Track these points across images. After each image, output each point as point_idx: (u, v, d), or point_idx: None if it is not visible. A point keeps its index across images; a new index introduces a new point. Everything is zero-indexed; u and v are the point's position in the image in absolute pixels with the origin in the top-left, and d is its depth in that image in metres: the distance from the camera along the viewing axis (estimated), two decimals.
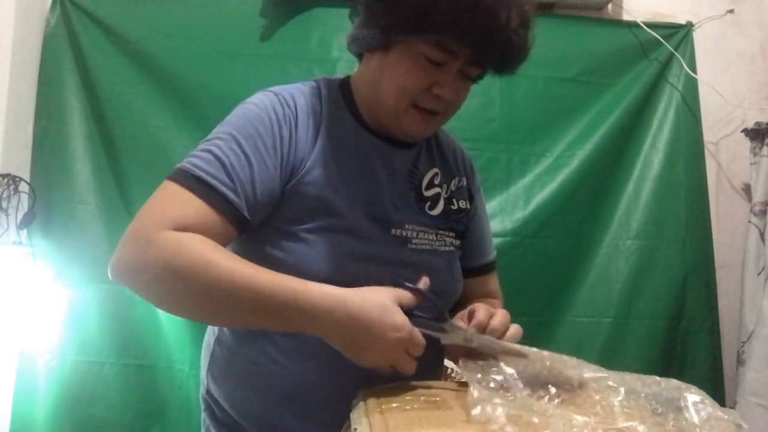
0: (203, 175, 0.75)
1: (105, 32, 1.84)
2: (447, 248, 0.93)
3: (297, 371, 0.82)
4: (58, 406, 1.72)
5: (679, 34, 1.96)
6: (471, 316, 0.80)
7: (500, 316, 0.80)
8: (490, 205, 1.79)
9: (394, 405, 0.64)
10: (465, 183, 1.01)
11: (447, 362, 1.34)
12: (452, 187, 0.97)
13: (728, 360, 1.88)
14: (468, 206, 0.99)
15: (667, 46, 1.93)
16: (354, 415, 0.67)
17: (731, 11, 2.01)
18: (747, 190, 1.96)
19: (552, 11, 1.98)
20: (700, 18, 1.99)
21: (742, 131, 1.92)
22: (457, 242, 0.95)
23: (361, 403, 0.67)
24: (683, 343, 1.87)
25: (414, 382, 0.74)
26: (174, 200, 0.75)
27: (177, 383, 1.75)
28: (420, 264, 0.86)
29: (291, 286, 0.72)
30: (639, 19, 1.93)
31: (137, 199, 1.79)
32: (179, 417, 1.74)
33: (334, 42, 1.88)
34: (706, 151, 1.96)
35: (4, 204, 1.69)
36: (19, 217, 1.71)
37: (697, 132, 1.95)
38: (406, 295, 0.75)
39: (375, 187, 0.87)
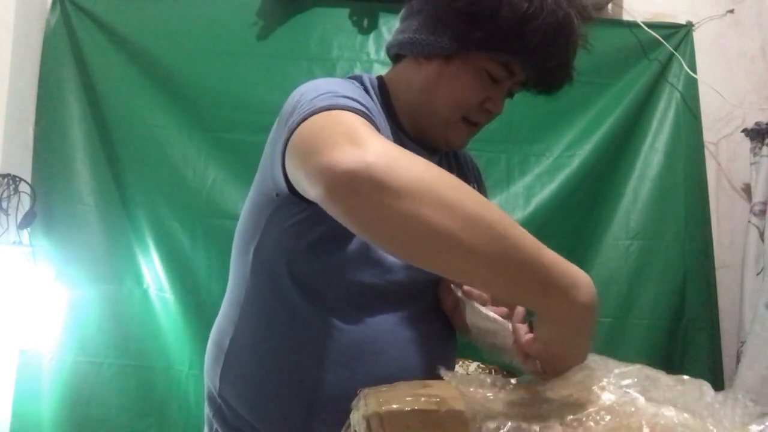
0: (355, 106, 0.67)
1: (105, 32, 1.84)
2: None
3: (328, 378, 0.78)
4: (58, 406, 1.72)
5: (679, 34, 1.96)
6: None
7: None
8: None
9: (394, 405, 0.64)
10: (475, 188, 0.99)
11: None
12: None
13: (728, 360, 1.88)
14: None
15: (667, 46, 1.93)
16: (354, 416, 0.67)
17: (731, 11, 2.01)
18: (747, 190, 1.96)
19: None
20: (700, 18, 1.99)
21: (742, 131, 1.92)
22: None
23: (361, 404, 0.67)
24: (683, 343, 1.87)
25: (413, 382, 0.74)
26: (356, 123, 0.63)
27: (176, 383, 1.75)
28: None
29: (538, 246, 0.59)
30: (639, 19, 1.93)
31: (137, 200, 1.79)
32: (178, 417, 1.74)
33: (333, 41, 1.88)
34: (706, 151, 1.96)
35: (4, 204, 1.69)
36: (19, 217, 1.71)
37: (697, 132, 1.95)
38: None
39: None
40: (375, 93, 0.87)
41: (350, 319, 0.79)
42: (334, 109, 0.65)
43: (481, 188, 1.03)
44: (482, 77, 0.82)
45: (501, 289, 0.62)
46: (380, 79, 0.92)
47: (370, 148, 0.57)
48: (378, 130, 0.67)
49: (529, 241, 0.58)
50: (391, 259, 0.80)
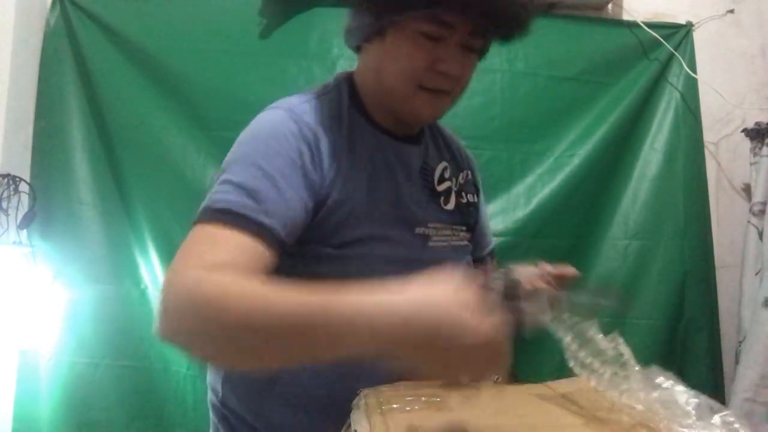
0: (227, 205, 0.71)
1: (105, 32, 1.84)
2: (462, 243, 0.92)
3: (325, 380, 0.79)
4: (58, 406, 1.72)
5: (679, 34, 1.96)
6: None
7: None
8: (492, 205, 1.79)
9: (395, 406, 0.64)
10: (470, 176, 1.01)
11: None
12: (461, 180, 0.97)
13: (728, 360, 1.88)
14: (476, 199, 0.99)
15: (667, 46, 1.93)
16: (354, 416, 0.67)
17: (731, 11, 2.01)
18: (747, 190, 1.96)
19: (552, 11, 1.98)
20: (700, 18, 1.99)
21: (742, 131, 1.92)
22: (468, 236, 0.95)
23: (362, 403, 0.67)
24: (683, 343, 1.87)
25: (414, 383, 0.74)
26: (201, 241, 0.70)
27: (174, 385, 1.75)
28: (440, 261, 0.79)
29: (320, 298, 0.57)
30: (639, 19, 1.93)
31: (137, 199, 1.79)
32: (176, 418, 1.74)
33: (333, 41, 1.88)
34: (706, 151, 1.96)
35: (4, 204, 1.69)
36: (19, 217, 1.71)
37: (697, 132, 1.95)
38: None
39: (397, 188, 0.86)
40: (346, 94, 0.88)
41: None
42: (204, 222, 0.72)
43: (474, 175, 1.02)
44: (419, 40, 0.79)
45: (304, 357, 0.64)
46: (350, 75, 0.92)
47: (175, 281, 0.66)
48: (300, 158, 0.75)
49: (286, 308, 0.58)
50: (394, 255, 0.82)
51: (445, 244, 0.89)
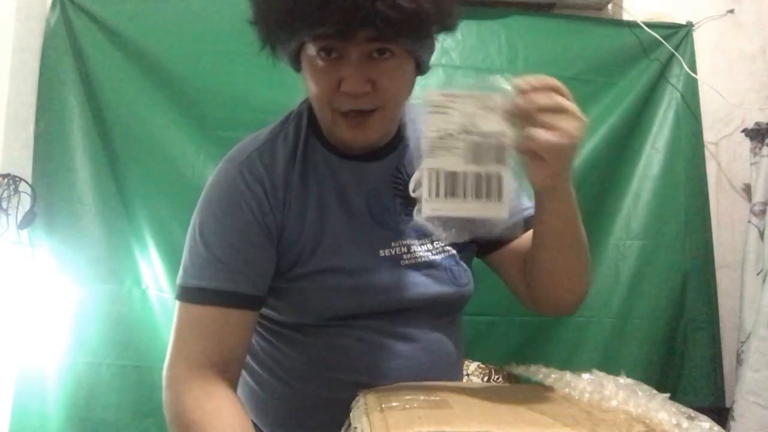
0: (197, 283, 0.79)
1: (105, 32, 1.84)
2: (444, 254, 0.88)
3: (310, 385, 0.85)
4: (58, 406, 1.72)
5: (679, 34, 1.96)
6: None
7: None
8: None
9: (394, 404, 0.64)
10: None
11: None
12: None
13: (728, 360, 1.88)
14: None
15: (667, 46, 1.93)
16: (354, 414, 0.67)
17: (731, 11, 2.01)
18: (747, 190, 1.96)
19: (552, 11, 1.98)
20: (700, 18, 1.99)
21: (742, 131, 1.92)
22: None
23: (361, 402, 0.67)
24: (683, 343, 1.87)
25: (414, 383, 0.74)
26: (184, 327, 0.83)
27: None
28: (415, 280, 0.84)
29: None
30: (639, 19, 1.93)
31: (137, 200, 1.79)
32: None
33: None
34: (706, 151, 1.96)
35: (4, 204, 1.69)
36: (19, 217, 1.71)
37: (697, 132, 1.95)
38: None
39: (357, 210, 0.84)
40: (305, 121, 0.87)
41: (325, 333, 0.84)
42: (185, 301, 0.82)
43: None
44: (316, 63, 0.75)
45: None
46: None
47: (167, 374, 0.87)
48: (252, 213, 0.80)
49: None
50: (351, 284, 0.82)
51: (422, 259, 0.86)
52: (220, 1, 1.89)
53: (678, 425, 0.57)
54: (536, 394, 0.71)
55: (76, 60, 1.83)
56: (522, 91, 0.64)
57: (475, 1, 1.90)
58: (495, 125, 0.63)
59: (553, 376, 0.72)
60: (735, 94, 1.99)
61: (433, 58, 1.94)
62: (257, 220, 0.80)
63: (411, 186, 0.70)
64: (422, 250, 0.86)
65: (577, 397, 0.68)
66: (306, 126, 0.87)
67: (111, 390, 1.74)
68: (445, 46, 1.87)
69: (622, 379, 0.68)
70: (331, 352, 0.84)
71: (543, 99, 0.64)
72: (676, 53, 1.94)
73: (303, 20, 0.70)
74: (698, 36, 1.97)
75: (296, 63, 0.81)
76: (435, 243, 0.88)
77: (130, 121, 1.81)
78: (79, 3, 1.84)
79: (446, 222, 0.69)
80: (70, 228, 1.78)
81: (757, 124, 1.88)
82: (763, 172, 1.83)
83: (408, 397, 0.67)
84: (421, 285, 0.84)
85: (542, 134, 0.63)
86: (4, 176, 1.70)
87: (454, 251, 0.90)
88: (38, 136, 1.82)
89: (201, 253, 0.80)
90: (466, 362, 1.62)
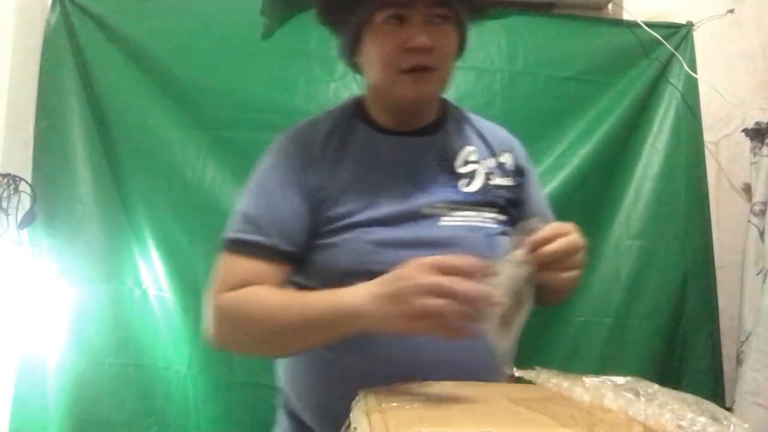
0: (234, 235, 0.90)
1: (105, 32, 1.84)
2: (487, 223, 0.94)
3: (341, 364, 0.88)
4: (58, 405, 1.72)
5: (680, 34, 1.96)
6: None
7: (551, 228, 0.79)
8: None
9: (394, 404, 0.64)
10: (508, 160, 1.01)
11: None
12: (491, 164, 0.99)
13: (728, 360, 1.88)
14: (511, 183, 1.00)
15: (668, 46, 1.93)
16: (354, 414, 0.67)
17: (731, 11, 2.01)
18: (747, 190, 1.96)
19: (552, 11, 1.98)
20: (700, 18, 1.99)
21: (742, 131, 1.92)
22: (503, 218, 0.96)
23: (362, 402, 0.67)
24: (683, 343, 1.87)
25: (414, 383, 0.74)
26: (225, 267, 0.90)
27: (175, 383, 1.75)
28: (453, 239, 0.89)
29: (325, 298, 0.79)
30: (639, 19, 1.93)
31: (137, 199, 1.79)
32: (177, 417, 1.74)
33: (333, 41, 1.87)
34: (706, 151, 1.96)
35: (4, 204, 1.69)
36: (19, 217, 1.71)
37: (697, 132, 1.95)
38: (438, 259, 0.69)
39: (399, 177, 0.92)
40: (349, 111, 0.99)
41: None
42: (224, 251, 0.91)
43: (516, 161, 1.02)
44: (384, 29, 0.87)
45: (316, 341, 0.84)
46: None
47: (210, 304, 0.91)
48: (296, 176, 0.91)
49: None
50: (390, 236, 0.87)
51: (462, 222, 0.91)
52: (221, 1, 1.90)
53: (679, 427, 0.57)
54: (536, 394, 0.71)
55: (76, 60, 1.83)
56: (537, 245, 0.76)
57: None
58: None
59: (552, 381, 0.72)
60: (735, 94, 1.99)
61: None
62: (294, 183, 0.90)
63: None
64: (464, 215, 0.92)
65: (577, 398, 0.68)
66: (351, 109, 0.99)
67: (111, 389, 1.74)
68: None
69: (623, 379, 0.68)
70: None
71: (554, 249, 0.77)
72: (676, 53, 1.94)
73: None
74: (698, 36, 1.97)
75: (355, 39, 0.92)
76: (478, 210, 0.93)
77: (130, 121, 1.81)
78: (79, 3, 1.84)
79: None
80: (70, 228, 1.78)
81: (757, 124, 1.88)
82: (763, 172, 1.83)
83: (408, 397, 0.67)
84: (460, 244, 0.88)
85: (563, 276, 0.81)
86: (4, 176, 1.70)
87: (496, 224, 0.95)
88: (38, 136, 1.82)
89: (244, 210, 0.92)
90: None
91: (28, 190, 1.74)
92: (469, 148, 0.98)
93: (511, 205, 0.98)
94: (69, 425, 1.72)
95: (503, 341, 0.74)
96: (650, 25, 1.93)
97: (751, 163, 1.89)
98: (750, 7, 2.04)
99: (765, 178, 1.82)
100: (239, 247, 0.89)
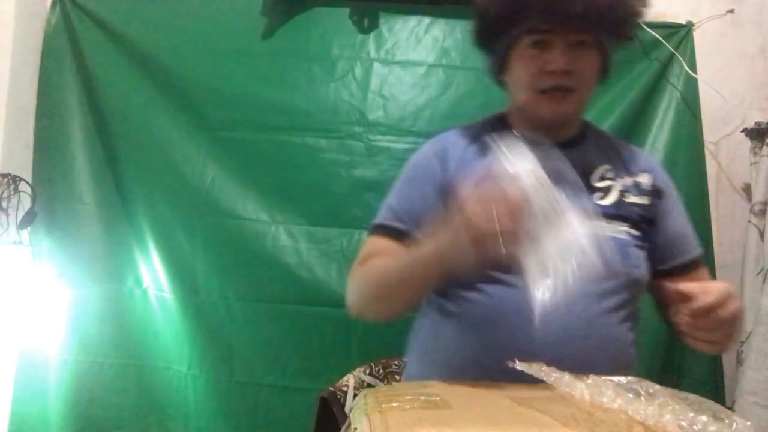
0: (378, 221, 1.05)
1: (105, 32, 1.84)
2: (618, 234, 0.97)
3: (462, 345, 0.94)
4: (58, 405, 1.73)
5: (679, 34, 1.96)
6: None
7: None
8: None
9: (394, 404, 0.64)
10: (646, 181, 1.05)
11: None
12: (627, 183, 1.03)
13: (728, 360, 1.88)
14: (647, 202, 1.03)
15: (667, 46, 1.93)
16: (354, 415, 0.67)
17: (731, 11, 2.01)
18: (747, 190, 1.95)
19: None
20: (700, 18, 1.99)
21: (742, 131, 1.92)
22: (635, 232, 0.99)
23: (362, 403, 0.67)
24: (683, 343, 1.86)
25: (414, 383, 0.74)
26: (366, 246, 1.05)
27: (175, 383, 1.76)
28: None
29: (413, 252, 0.91)
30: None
31: (137, 199, 1.79)
32: (178, 417, 1.74)
33: (333, 41, 1.88)
34: (706, 151, 1.96)
35: (4, 204, 1.69)
36: (19, 217, 1.71)
37: (697, 132, 1.95)
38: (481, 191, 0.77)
39: None
40: (492, 122, 1.09)
41: (479, 293, 0.93)
42: (369, 233, 1.06)
43: (654, 182, 1.06)
44: (528, 53, 0.97)
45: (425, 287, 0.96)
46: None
47: (349, 276, 1.03)
48: (432, 173, 1.02)
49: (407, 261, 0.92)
50: None
51: (599, 230, 0.94)
52: (221, 1, 1.90)
53: (680, 427, 0.57)
54: (536, 394, 0.71)
55: (76, 60, 1.83)
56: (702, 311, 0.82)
57: None
58: None
59: (554, 375, 0.72)
60: (735, 94, 1.98)
61: (433, 59, 1.95)
62: (430, 181, 1.02)
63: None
64: (597, 225, 0.94)
65: (578, 397, 0.68)
66: (494, 120, 1.10)
67: (112, 388, 1.74)
68: (445, 46, 1.87)
69: (624, 379, 0.68)
70: (503, 303, 0.91)
71: (722, 314, 0.82)
72: (676, 53, 1.93)
73: (524, 20, 0.95)
74: (698, 36, 1.97)
75: (503, 60, 1.03)
76: (610, 222, 0.97)
77: (130, 121, 1.82)
78: (79, 3, 1.84)
79: None
80: (70, 228, 1.78)
81: (757, 124, 1.88)
82: (763, 172, 1.82)
83: (408, 398, 0.67)
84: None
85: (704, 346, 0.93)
86: (4, 176, 1.70)
87: (628, 237, 0.99)
88: (38, 136, 1.82)
89: (388, 202, 1.06)
90: None
91: (28, 190, 1.75)
92: (606, 166, 1.03)
93: (645, 222, 1.02)
94: (69, 425, 1.72)
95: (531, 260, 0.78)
96: (650, 25, 1.92)
97: (751, 163, 1.89)
98: (750, 7, 2.03)
99: (765, 178, 1.82)
100: (380, 230, 1.03)
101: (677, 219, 1.08)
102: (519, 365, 0.75)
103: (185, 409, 1.74)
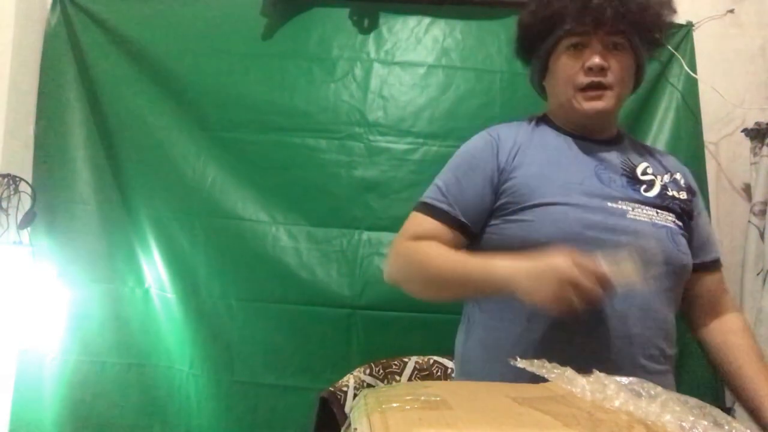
0: (427, 199, 1.10)
1: (105, 32, 1.84)
2: (667, 223, 1.04)
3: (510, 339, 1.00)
4: (59, 405, 1.72)
5: (679, 34, 1.96)
6: None
7: None
8: None
9: (394, 405, 0.64)
10: (681, 179, 1.14)
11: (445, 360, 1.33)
12: (666, 178, 1.11)
13: None
14: (685, 197, 1.11)
15: (667, 46, 1.93)
16: (354, 415, 0.67)
17: (731, 11, 2.01)
18: (747, 190, 1.95)
19: None
20: (700, 18, 1.99)
21: (742, 131, 1.92)
22: (680, 222, 1.07)
23: (362, 403, 0.67)
24: (683, 343, 1.86)
25: (414, 383, 0.74)
26: (412, 221, 1.10)
27: (177, 383, 1.76)
28: (639, 231, 0.99)
29: (480, 264, 0.96)
30: None
31: (137, 199, 1.79)
32: (179, 416, 1.74)
33: (333, 41, 1.88)
34: (706, 151, 1.96)
35: (4, 204, 1.69)
36: (19, 217, 1.71)
37: (697, 132, 1.95)
38: (584, 262, 0.83)
39: (585, 172, 1.05)
40: (535, 118, 1.17)
41: None
42: (415, 209, 1.11)
43: (687, 183, 1.14)
44: (567, 53, 1.06)
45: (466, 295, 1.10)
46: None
47: (393, 247, 1.09)
48: (483, 162, 1.08)
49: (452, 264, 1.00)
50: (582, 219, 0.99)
51: (646, 219, 1.02)
52: (220, 2, 1.90)
53: (681, 428, 0.57)
54: (536, 394, 0.71)
55: (76, 60, 1.83)
56: None
57: (475, 1, 1.90)
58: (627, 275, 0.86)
59: (555, 371, 0.72)
60: (735, 94, 1.98)
61: (433, 59, 1.94)
62: (480, 169, 1.07)
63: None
64: (647, 214, 1.03)
65: (578, 396, 0.68)
66: (536, 120, 1.16)
67: (114, 389, 1.74)
68: (445, 46, 1.87)
69: (626, 380, 0.68)
70: None
71: None
72: (676, 53, 1.93)
73: (561, 25, 1.05)
74: (698, 36, 1.97)
75: (544, 66, 1.12)
76: (659, 212, 1.04)
77: (130, 121, 1.82)
78: (79, 3, 1.84)
79: None
80: (70, 228, 1.78)
81: (757, 124, 1.88)
82: (763, 172, 1.82)
83: (408, 398, 0.67)
84: (645, 235, 0.98)
85: None
86: (4, 176, 1.70)
87: (675, 226, 1.05)
88: (38, 136, 1.82)
89: (438, 183, 1.11)
90: None
91: (28, 190, 1.75)
92: (645, 164, 1.11)
93: (687, 215, 1.09)
94: (70, 425, 1.72)
95: None
96: None
97: (751, 163, 1.89)
98: (750, 7, 2.03)
99: (765, 178, 1.82)
100: (427, 209, 1.08)
101: (705, 219, 1.17)
102: (520, 363, 0.75)
103: (187, 409, 1.74)
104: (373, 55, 1.88)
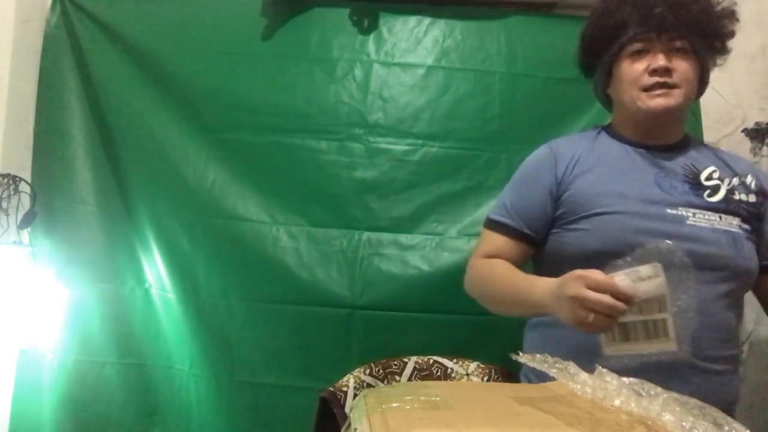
0: (492, 215, 1.20)
1: (105, 32, 1.84)
2: (731, 228, 1.06)
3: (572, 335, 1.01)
4: (59, 405, 1.72)
5: None
6: None
7: None
8: (490, 205, 1.79)
9: (395, 405, 0.64)
10: (751, 181, 1.15)
11: (444, 360, 1.34)
12: (733, 182, 1.13)
13: None
14: (755, 200, 1.12)
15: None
16: (354, 415, 0.67)
17: None
18: None
19: (552, 11, 1.98)
20: None
21: (742, 131, 1.92)
22: (746, 226, 1.09)
23: (362, 403, 0.67)
24: None
25: (414, 383, 0.74)
26: (483, 239, 1.20)
27: (177, 383, 1.76)
28: (698, 237, 1.02)
29: (526, 286, 1.03)
30: None
31: (138, 199, 1.79)
32: (179, 416, 1.74)
33: (334, 42, 1.88)
34: None
35: (4, 204, 1.69)
36: (19, 217, 1.71)
37: (697, 132, 1.94)
38: (591, 277, 0.86)
39: (645, 180, 1.09)
40: (597, 129, 1.23)
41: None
42: (485, 226, 1.21)
43: (757, 185, 1.14)
44: (631, 58, 1.10)
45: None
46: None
47: (469, 264, 1.20)
48: (542, 175, 1.17)
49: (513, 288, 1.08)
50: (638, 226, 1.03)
51: (706, 225, 1.05)
52: (220, 2, 1.90)
53: (681, 428, 0.57)
54: (537, 394, 0.71)
55: (76, 60, 1.83)
56: None
57: (475, 1, 1.90)
58: (653, 288, 0.86)
59: (557, 366, 0.72)
60: (735, 94, 1.98)
61: (433, 60, 1.94)
62: (541, 181, 1.15)
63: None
64: (708, 219, 1.06)
65: (579, 392, 0.68)
66: (599, 131, 1.22)
67: (114, 389, 1.74)
68: (445, 47, 1.87)
69: (627, 380, 0.68)
70: None
71: None
72: None
73: (627, 29, 1.10)
74: None
75: (608, 73, 1.17)
76: (723, 217, 1.07)
77: (130, 121, 1.82)
78: (79, 3, 1.84)
79: None
80: (70, 228, 1.78)
81: (757, 124, 1.88)
82: None
83: (408, 398, 0.67)
84: (704, 241, 1.02)
85: None
86: (4, 176, 1.70)
87: (740, 230, 1.08)
88: (38, 136, 1.82)
89: (503, 199, 1.20)
90: (466, 362, 1.62)
91: (28, 190, 1.75)
92: (711, 168, 1.13)
93: (754, 218, 1.11)
94: (70, 425, 1.72)
95: (611, 343, 0.89)
96: None
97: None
98: (750, 7, 2.03)
99: None
100: (494, 225, 1.18)
101: None
102: (521, 358, 0.76)
103: (187, 409, 1.74)
104: (373, 55, 1.88)
